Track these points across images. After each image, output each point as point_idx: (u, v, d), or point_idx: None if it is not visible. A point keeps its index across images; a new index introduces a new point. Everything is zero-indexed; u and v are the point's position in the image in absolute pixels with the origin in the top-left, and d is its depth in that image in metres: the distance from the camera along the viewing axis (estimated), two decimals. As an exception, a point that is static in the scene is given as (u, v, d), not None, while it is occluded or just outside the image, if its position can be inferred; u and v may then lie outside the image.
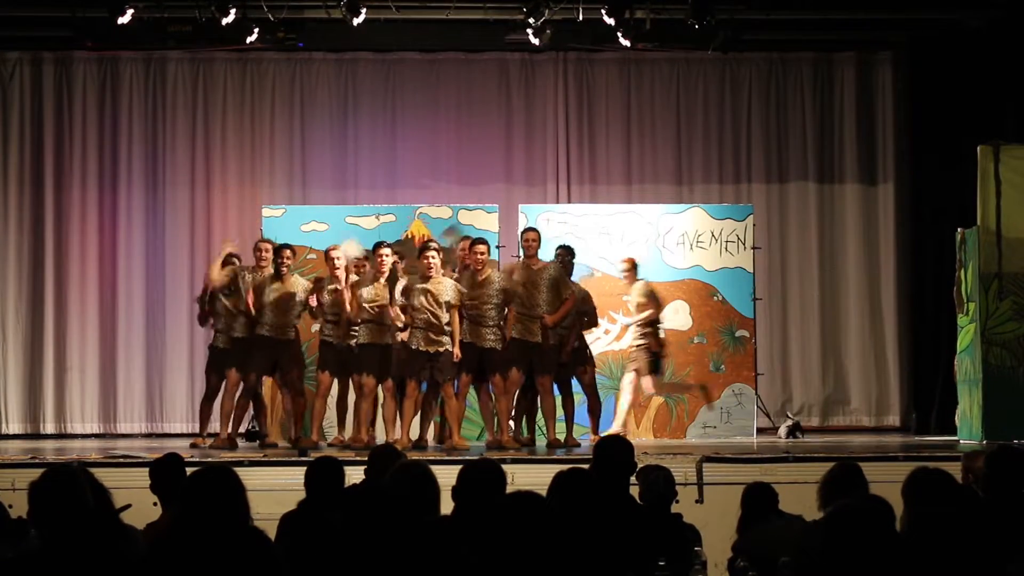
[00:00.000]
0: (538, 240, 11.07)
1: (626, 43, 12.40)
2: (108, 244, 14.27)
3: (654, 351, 11.62)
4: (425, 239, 11.63)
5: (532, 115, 14.64)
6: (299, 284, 11.13)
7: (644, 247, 12.56)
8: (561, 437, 11.04)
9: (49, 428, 14.00)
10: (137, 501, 5.38)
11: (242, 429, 11.60)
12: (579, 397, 11.37)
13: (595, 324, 11.64)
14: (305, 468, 5.64)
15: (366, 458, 5.87)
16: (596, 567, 4.33)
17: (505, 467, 5.12)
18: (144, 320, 14.20)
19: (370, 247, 11.18)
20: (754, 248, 12.66)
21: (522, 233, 11.32)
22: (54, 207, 14.23)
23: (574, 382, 11.30)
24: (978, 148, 11.63)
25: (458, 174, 14.48)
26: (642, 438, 12.13)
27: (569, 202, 14.10)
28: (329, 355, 10.99)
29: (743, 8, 12.64)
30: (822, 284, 14.53)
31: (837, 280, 14.54)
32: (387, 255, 10.83)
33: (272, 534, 4.78)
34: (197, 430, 11.84)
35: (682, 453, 9.68)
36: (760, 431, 12.66)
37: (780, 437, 12.68)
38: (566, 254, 11.34)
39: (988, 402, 11.31)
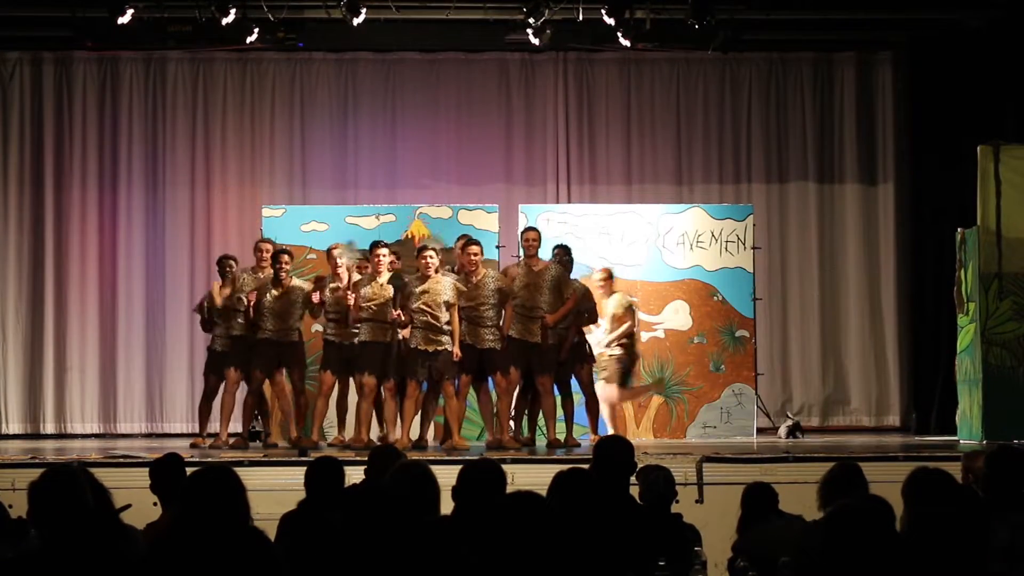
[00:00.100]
0: (538, 240, 11.07)
1: (626, 43, 12.40)
2: (108, 244, 14.27)
3: (624, 363, 11.69)
4: (424, 239, 11.66)
5: (532, 115, 14.64)
6: (299, 287, 11.13)
7: (644, 247, 12.56)
8: (561, 437, 11.04)
9: (49, 428, 14.00)
10: (137, 501, 5.38)
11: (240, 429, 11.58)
12: (579, 397, 11.37)
13: (595, 321, 11.63)
14: (305, 468, 5.64)
15: (366, 458, 5.87)
16: (596, 567, 4.33)
17: (505, 467, 5.12)
18: (144, 320, 14.20)
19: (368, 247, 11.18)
20: (754, 248, 12.66)
21: (522, 233, 11.32)
22: (54, 207, 14.23)
23: (573, 381, 11.30)
24: (978, 148, 11.63)
25: (458, 174, 14.48)
26: (642, 438, 12.13)
27: (569, 202, 14.10)
28: (331, 354, 10.99)
29: (743, 8, 12.64)
30: (822, 284, 14.53)
31: (837, 280, 14.54)
32: (384, 255, 10.83)
33: (272, 534, 4.78)
34: (197, 430, 11.85)
35: (682, 453, 9.68)
36: (760, 431, 12.66)
37: (780, 437, 12.68)
38: (563, 253, 11.33)
39: (988, 402, 11.31)
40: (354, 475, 5.73)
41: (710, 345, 12.46)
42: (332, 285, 11.02)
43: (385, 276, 10.87)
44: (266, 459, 9.67)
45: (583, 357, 11.33)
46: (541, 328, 10.84)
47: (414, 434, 10.86)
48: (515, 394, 11.07)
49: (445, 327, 10.52)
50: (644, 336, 12.41)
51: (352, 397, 11.10)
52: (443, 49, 14.44)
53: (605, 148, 14.65)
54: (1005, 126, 12.83)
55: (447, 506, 4.84)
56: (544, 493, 4.41)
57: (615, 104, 14.65)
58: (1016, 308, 11.45)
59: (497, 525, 3.83)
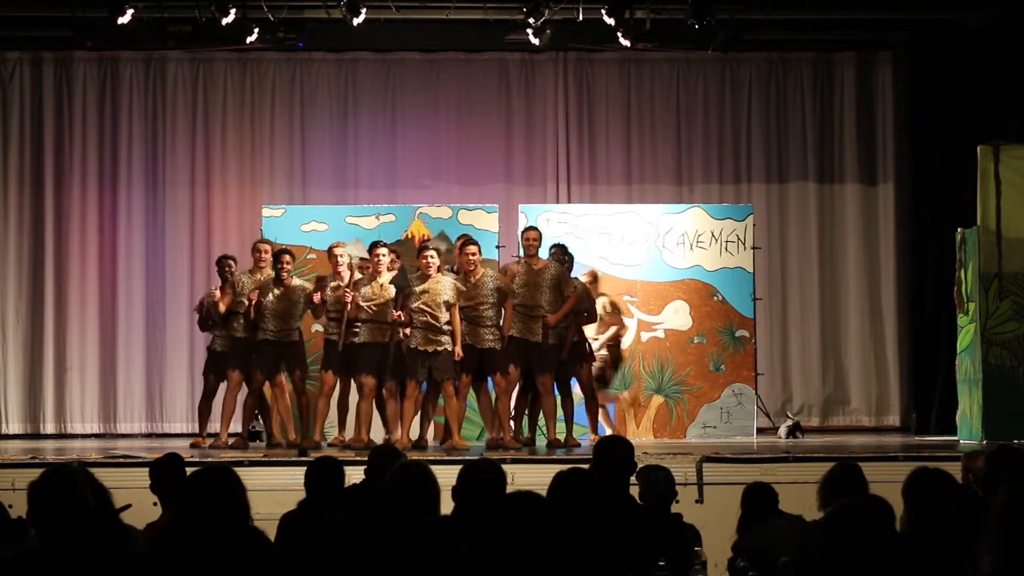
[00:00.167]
0: (539, 239, 11.06)
1: (626, 43, 12.40)
2: (108, 244, 14.27)
3: (607, 366, 11.75)
4: (424, 240, 11.65)
5: (532, 115, 14.64)
6: (300, 287, 11.13)
7: (644, 247, 12.56)
8: (561, 437, 11.03)
9: (49, 428, 14.00)
10: (137, 501, 5.38)
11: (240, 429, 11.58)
12: (578, 397, 11.37)
13: (594, 320, 11.63)
14: (305, 468, 5.64)
15: (366, 458, 5.87)
16: (596, 567, 4.33)
17: (505, 467, 5.13)
18: (144, 320, 14.20)
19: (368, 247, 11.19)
20: (754, 248, 12.66)
21: (522, 232, 11.32)
22: (54, 207, 14.22)
23: (573, 381, 11.30)
24: (978, 148, 11.63)
25: (458, 174, 14.48)
26: (642, 438, 12.13)
27: (569, 202, 14.09)
28: (333, 354, 10.98)
29: (743, 8, 12.63)
30: (822, 284, 14.52)
31: (837, 280, 14.54)
32: (383, 255, 10.83)
33: (272, 534, 4.79)
34: (197, 430, 11.85)
35: (682, 453, 9.68)
36: (760, 431, 12.66)
37: (780, 437, 12.68)
38: (561, 252, 11.33)
39: (988, 402, 11.32)
40: (354, 475, 5.74)
41: (710, 345, 12.46)
42: (333, 284, 11.01)
43: (386, 276, 10.87)
44: (266, 459, 9.67)
45: (583, 357, 11.33)
46: (542, 327, 10.84)
47: (414, 434, 10.86)
48: (515, 394, 11.07)
49: (445, 327, 10.52)
50: (644, 336, 12.42)
51: (354, 397, 11.09)
52: (443, 49, 14.44)
53: (605, 148, 14.65)
54: (1005, 126, 12.83)
55: (447, 506, 4.84)
56: (544, 493, 4.41)
57: (615, 104, 14.65)
58: (1016, 308, 11.46)
59: (497, 525, 3.83)
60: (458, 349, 10.51)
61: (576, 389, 11.31)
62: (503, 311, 10.80)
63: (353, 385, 11.05)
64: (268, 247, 11.37)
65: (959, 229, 12.10)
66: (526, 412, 11.26)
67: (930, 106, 13.87)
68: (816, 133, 14.67)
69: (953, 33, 13.41)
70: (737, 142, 14.65)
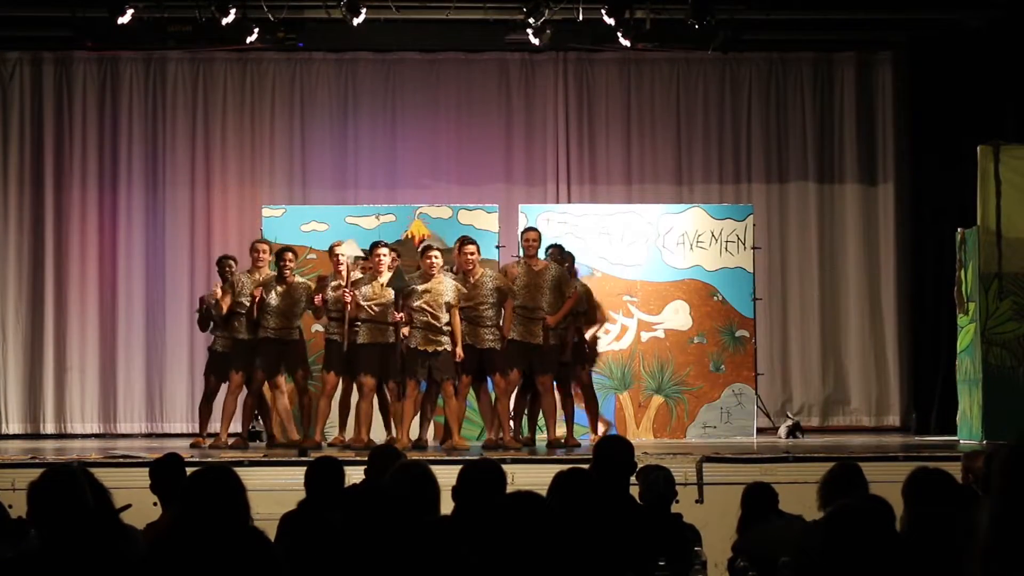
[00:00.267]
0: (538, 240, 11.06)
1: (626, 43, 12.40)
2: (108, 244, 14.27)
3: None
4: (424, 239, 11.65)
5: (532, 115, 14.64)
6: (303, 285, 11.13)
7: (644, 247, 12.56)
8: (562, 437, 11.03)
9: (49, 428, 13.99)
10: (137, 501, 5.39)
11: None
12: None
13: (593, 321, 11.64)
14: (305, 468, 5.64)
15: (366, 458, 5.87)
16: (596, 567, 4.33)
17: (505, 467, 5.13)
18: (144, 320, 14.20)
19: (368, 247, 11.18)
20: (754, 248, 12.66)
21: (522, 233, 11.31)
22: (54, 207, 14.22)
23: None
24: (978, 148, 11.63)
25: (458, 174, 14.48)
26: (642, 438, 12.13)
27: (569, 202, 14.09)
28: (334, 354, 10.97)
29: (743, 8, 12.63)
30: (822, 284, 14.52)
31: (837, 280, 14.53)
32: (384, 254, 10.82)
33: (272, 534, 4.79)
34: (197, 430, 11.85)
35: (682, 453, 9.68)
36: (760, 431, 12.66)
37: (780, 437, 12.68)
38: (558, 253, 11.33)
39: (988, 402, 11.32)
40: (354, 475, 5.74)
41: (710, 345, 12.46)
42: (334, 283, 11.00)
43: (386, 276, 10.86)
44: (266, 459, 9.67)
45: (582, 357, 11.33)
46: (542, 329, 10.83)
47: (413, 434, 10.86)
48: (514, 394, 11.07)
49: (445, 327, 10.52)
50: (644, 336, 12.42)
51: (355, 397, 11.09)
52: (443, 49, 14.44)
53: (605, 148, 14.64)
54: (1005, 126, 12.83)
55: (447, 506, 4.84)
56: (544, 493, 4.41)
57: (615, 104, 14.65)
58: (1016, 308, 11.45)
59: (497, 525, 3.83)
60: (459, 351, 10.51)
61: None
62: (503, 311, 10.80)
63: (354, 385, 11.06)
64: (266, 247, 11.37)
65: (959, 229, 12.10)
66: (526, 412, 11.26)
67: (930, 106, 13.87)
68: (816, 133, 14.67)
69: (953, 33, 13.41)
70: (737, 142, 14.65)
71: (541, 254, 11.15)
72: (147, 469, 6.33)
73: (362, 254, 11.22)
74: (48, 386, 14.04)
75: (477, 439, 11.43)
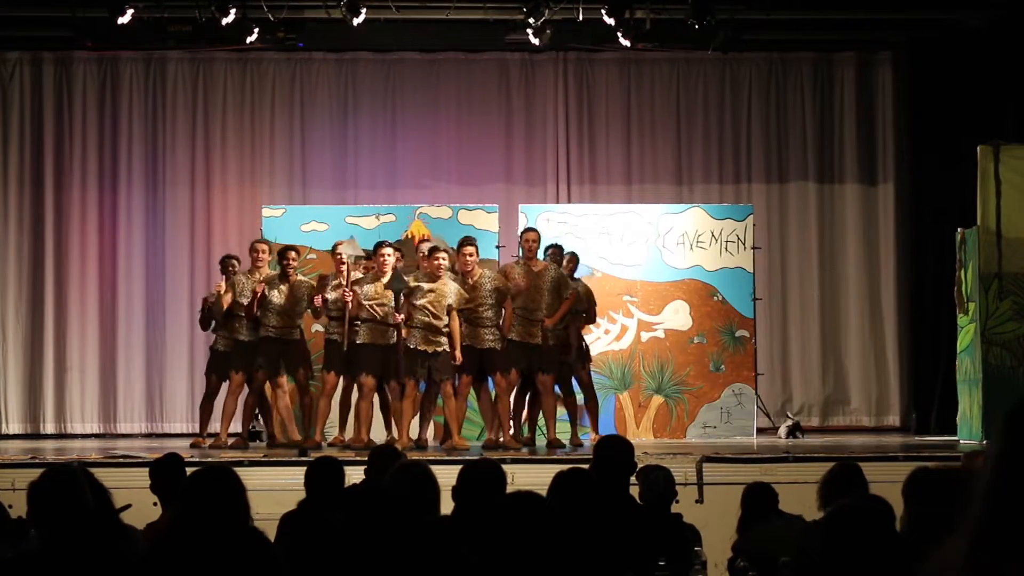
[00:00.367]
0: (538, 240, 11.06)
1: (626, 43, 12.40)
2: (108, 244, 14.27)
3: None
4: (423, 239, 11.64)
5: (532, 115, 14.64)
6: (305, 283, 11.13)
7: (644, 247, 12.56)
8: (562, 437, 11.03)
9: (49, 428, 13.99)
10: (137, 501, 5.39)
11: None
12: (578, 397, 11.37)
13: (592, 321, 11.64)
14: (305, 468, 5.64)
15: (366, 458, 5.87)
16: (596, 567, 4.33)
17: (505, 467, 5.13)
18: (144, 320, 14.20)
19: (370, 247, 11.16)
20: (754, 248, 12.66)
21: (522, 233, 11.31)
22: (54, 207, 14.22)
23: (573, 381, 11.30)
24: (978, 148, 11.63)
25: (458, 174, 14.48)
26: (642, 438, 12.13)
27: (569, 202, 14.09)
28: (335, 354, 10.97)
29: (743, 8, 12.63)
30: (822, 284, 14.52)
31: (837, 280, 14.54)
32: (388, 254, 10.81)
33: (272, 534, 4.79)
34: (197, 430, 11.85)
35: (682, 453, 9.68)
36: (760, 431, 12.66)
37: (780, 437, 12.67)
38: (557, 253, 11.33)
39: (988, 402, 11.31)
40: (354, 475, 5.74)
41: (710, 345, 12.46)
42: (334, 283, 10.99)
43: (386, 277, 10.84)
44: (266, 459, 9.66)
45: (582, 357, 11.34)
46: (542, 329, 10.83)
47: (413, 434, 10.85)
48: (514, 394, 11.07)
49: (444, 328, 10.52)
50: (644, 336, 12.43)
51: (355, 397, 11.08)
52: (443, 49, 14.44)
53: (605, 148, 14.65)
54: (1005, 126, 12.83)
55: (447, 506, 4.84)
56: (544, 493, 4.41)
57: (615, 104, 14.65)
58: (1016, 308, 11.45)
59: (497, 525, 3.83)
60: (457, 354, 10.51)
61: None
62: (502, 311, 10.80)
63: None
64: (266, 247, 11.37)
65: (959, 229, 12.10)
66: (526, 412, 11.26)
67: (930, 106, 13.87)
68: (816, 133, 14.67)
69: (953, 33, 13.41)
70: (737, 142, 14.65)
71: (541, 254, 11.15)
72: (147, 469, 6.33)
73: (363, 254, 11.22)
74: (48, 386, 14.04)
75: (477, 439, 11.43)
